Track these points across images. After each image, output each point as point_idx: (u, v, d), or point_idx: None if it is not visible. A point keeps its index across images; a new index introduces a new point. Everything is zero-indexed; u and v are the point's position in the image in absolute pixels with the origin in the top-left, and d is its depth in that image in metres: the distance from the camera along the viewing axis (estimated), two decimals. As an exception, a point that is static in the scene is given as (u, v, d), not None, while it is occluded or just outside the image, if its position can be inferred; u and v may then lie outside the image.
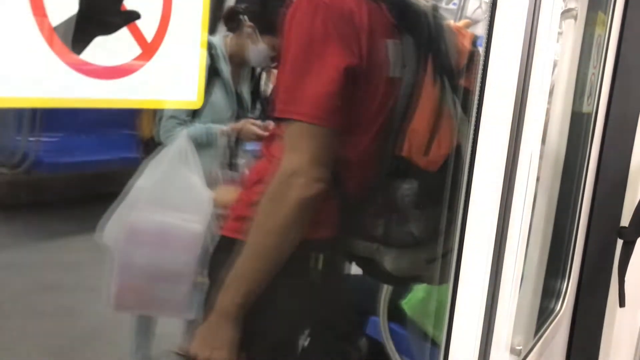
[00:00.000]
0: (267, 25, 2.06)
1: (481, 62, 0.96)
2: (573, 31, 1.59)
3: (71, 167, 4.49)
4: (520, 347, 1.17)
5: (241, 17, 2.13)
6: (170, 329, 2.22)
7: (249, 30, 2.12)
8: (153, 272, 1.63)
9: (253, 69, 2.34)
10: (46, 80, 0.62)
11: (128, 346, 2.36)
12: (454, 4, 3.18)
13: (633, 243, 1.64)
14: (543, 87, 1.02)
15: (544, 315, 1.68)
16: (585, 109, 1.71)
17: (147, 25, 0.69)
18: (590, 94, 1.70)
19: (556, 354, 1.84)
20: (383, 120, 1.22)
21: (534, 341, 1.48)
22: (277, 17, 1.17)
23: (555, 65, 1.53)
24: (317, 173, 1.11)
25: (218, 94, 2.15)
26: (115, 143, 4.22)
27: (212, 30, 2.14)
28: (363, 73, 1.16)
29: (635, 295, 1.70)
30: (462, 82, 1.30)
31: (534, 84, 0.98)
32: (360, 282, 1.87)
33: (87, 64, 0.64)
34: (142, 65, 0.70)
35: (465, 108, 1.23)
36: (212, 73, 2.11)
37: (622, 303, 1.66)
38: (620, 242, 1.69)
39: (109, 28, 0.66)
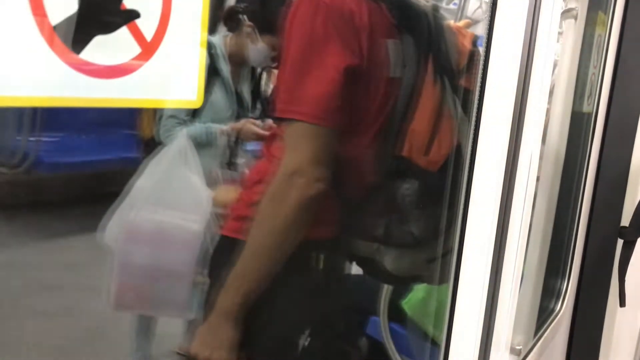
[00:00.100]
0: (267, 24, 2.06)
1: (481, 62, 0.96)
2: (573, 31, 1.59)
3: (71, 167, 4.48)
4: (520, 347, 1.17)
5: (241, 16, 2.13)
6: (170, 329, 2.22)
7: (249, 29, 2.12)
8: (153, 272, 1.64)
9: (253, 69, 2.34)
10: (46, 79, 0.62)
11: (128, 346, 2.35)
12: (454, 4, 3.18)
13: (633, 243, 1.65)
14: (543, 87, 1.02)
15: (544, 315, 1.68)
16: (586, 109, 1.71)
17: (147, 25, 0.69)
18: (590, 94, 1.70)
19: (556, 354, 1.84)
20: (383, 120, 1.22)
21: (534, 341, 1.48)
22: (277, 16, 1.17)
23: (555, 65, 1.53)
24: (318, 173, 1.11)
25: (218, 94, 2.15)
26: (115, 143, 4.22)
27: (211, 29, 2.14)
28: (363, 73, 1.16)
29: (635, 295, 1.70)
30: (462, 82, 1.30)
31: (534, 84, 0.98)
32: (360, 282, 1.87)
33: (86, 63, 0.64)
34: (141, 65, 0.70)
35: (466, 108, 1.23)
36: (212, 72, 2.11)
37: (622, 303, 1.66)
38: (620, 242, 1.69)
39: (108, 27, 0.66)
